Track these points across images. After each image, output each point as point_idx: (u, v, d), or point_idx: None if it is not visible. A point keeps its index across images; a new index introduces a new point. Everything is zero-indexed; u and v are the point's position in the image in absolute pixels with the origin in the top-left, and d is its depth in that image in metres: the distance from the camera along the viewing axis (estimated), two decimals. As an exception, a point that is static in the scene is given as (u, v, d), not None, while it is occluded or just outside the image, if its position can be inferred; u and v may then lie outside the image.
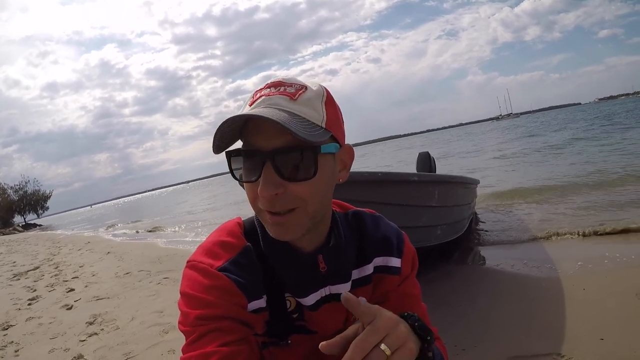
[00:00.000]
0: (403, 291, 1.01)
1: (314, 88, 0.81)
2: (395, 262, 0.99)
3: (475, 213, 5.80)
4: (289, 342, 0.94)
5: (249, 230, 0.90)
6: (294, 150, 0.75)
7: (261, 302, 0.86)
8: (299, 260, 0.88)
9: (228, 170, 0.83)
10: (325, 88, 0.84)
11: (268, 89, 0.79)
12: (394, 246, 0.99)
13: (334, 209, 0.96)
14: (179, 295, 0.83)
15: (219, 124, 0.75)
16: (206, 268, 0.81)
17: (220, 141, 0.76)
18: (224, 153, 0.80)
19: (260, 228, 0.89)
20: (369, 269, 0.97)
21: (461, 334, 2.43)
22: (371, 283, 0.98)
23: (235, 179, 0.82)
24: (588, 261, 3.34)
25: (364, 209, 1.04)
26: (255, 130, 0.76)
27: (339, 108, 0.86)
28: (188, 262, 0.86)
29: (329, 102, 0.82)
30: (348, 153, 0.87)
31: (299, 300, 0.90)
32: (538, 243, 4.18)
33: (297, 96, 0.77)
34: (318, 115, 0.78)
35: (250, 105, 0.78)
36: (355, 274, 0.96)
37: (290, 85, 0.79)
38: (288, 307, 0.91)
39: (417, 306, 1.02)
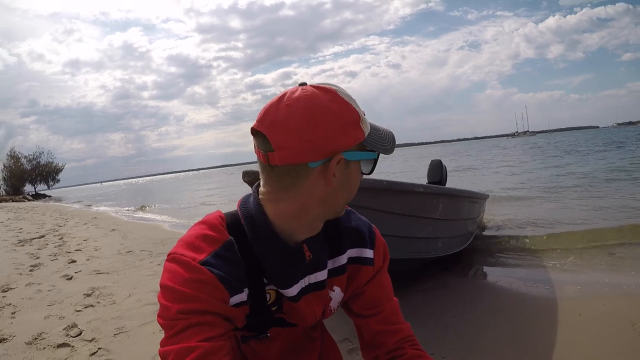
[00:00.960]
0: (379, 281, 1.05)
1: None
2: (369, 253, 1.02)
3: (482, 227, 5.74)
4: (268, 335, 0.97)
5: (231, 223, 0.90)
6: None
7: (243, 296, 0.86)
8: (288, 250, 0.88)
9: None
10: None
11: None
12: (366, 238, 1.03)
13: None
14: (159, 288, 0.83)
15: (392, 134, 0.93)
16: (188, 261, 0.81)
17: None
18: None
19: (247, 220, 0.89)
20: (342, 260, 1.01)
21: (451, 346, 2.41)
22: (346, 273, 1.01)
23: (362, 173, 0.90)
24: (587, 286, 3.29)
25: None
26: None
27: None
28: (169, 254, 0.85)
29: None
30: None
31: (282, 291, 0.92)
32: (540, 264, 4.12)
33: None
34: None
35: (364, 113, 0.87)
36: (330, 264, 0.99)
37: None
38: (268, 300, 0.93)
39: (390, 297, 1.07)
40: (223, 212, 0.95)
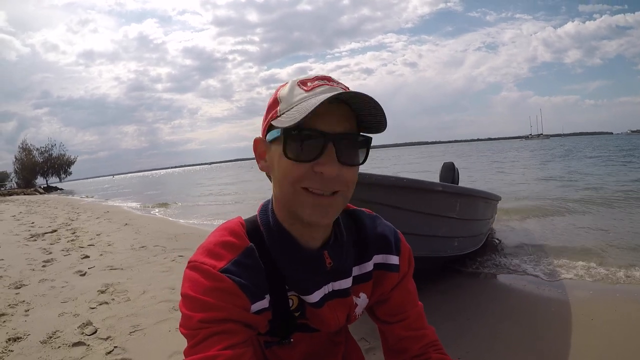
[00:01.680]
0: (404, 287, 1.03)
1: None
2: (394, 259, 1.01)
3: (493, 229, 5.73)
4: (292, 340, 0.96)
5: (251, 229, 0.89)
6: (355, 136, 0.80)
7: (264, 303, 0.85)
8: (307, 257, 0.88)
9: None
10: None
11: (322, 80, 0.82)
12: (392, 244, 1.01)
13: None
14: (180, 297, 0.82)
15: (314, 101, 0.75)
16: (208, 269, 0.80)
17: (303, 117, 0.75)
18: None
19: (265, 226, 0.89)
20: (369, 266, 0.99)
21: (465, 348, 2.42)
22: (371, 279, 1.00)
23: (287, 158, 0.79)
24: (600, 292, 3.30)
25: (361, 209, 1.06)
26: (325, 114, 0.77)
27: None
28: (189, 262, 0.84)
29: None
30: None
31: (304, 297, 0.90)
32: (554, 267, 4.07)
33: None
34: None
35: (308, 91, 0.80)
36: (356, 271, 0.97)
37: (338, 82, 0.84)
38: (291, 305, 0.92)
39: (415, 303, 1.05)
40: (243, 218, 0.94)
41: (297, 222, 0.86)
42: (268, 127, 0.84)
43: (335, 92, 0.75)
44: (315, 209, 0.79)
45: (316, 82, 0.81)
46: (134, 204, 17.16)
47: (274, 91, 0.87)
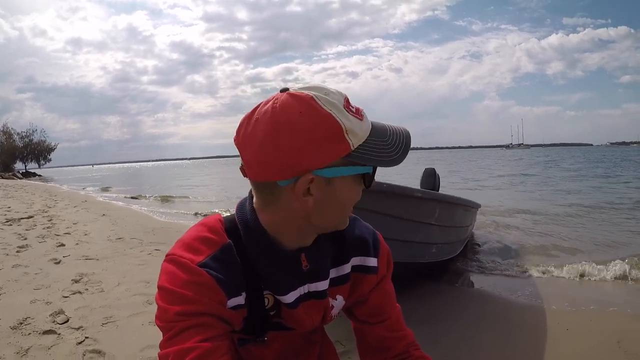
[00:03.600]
0: (382, 289, 1.03)
1: None
2: (372, 261, 1.00)
3: (472, 235, 5.80)
4: (266, 339, 0.95)
5: (230, 227, 0.89)
6: None
7: (240, 299, 0.86)
8: (283, 258, 0.87)
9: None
10: None
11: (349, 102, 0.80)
12: (370, 246, 1.01)
13: None
14: (157, 289, 0.82)
15: (405, 139, 0.84)
16: (186, 263, 0.80)
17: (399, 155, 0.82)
18: None
19: (243, 225, 0.88)
20: (346, 268, 0.99)
21: (440, 353, 2.44)
22: (349, 282, 0.99)
23: (367, 187, 0.86)
24: (576, 302, 3.35)
25: None
26: None
27: None
28: (167, 255, 0.85)
29: None
30: None
31: (279, 297, 0.90)
32: (530, 275, 4.18)
33: None
34: None
35: (361, 120, 0.80)
36: (333, 273, 0.97)
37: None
38: (266, 304, 0.91)
39: (393, 305, 1.05)
40: (222, 215, 0.94)
41: (297, 231, 0.85)
42: (331, 162, 0.77)
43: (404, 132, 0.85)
44: (347, 219, 0.90)
45: (350, 106, 0.80)
46: (112, 195, 17.05)
47: (311, 118, 0.75)
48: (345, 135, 0.76)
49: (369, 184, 0.84)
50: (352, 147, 0.77)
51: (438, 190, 5.05)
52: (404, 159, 0.82)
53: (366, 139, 0.79)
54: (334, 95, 0.77)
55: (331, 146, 0.75)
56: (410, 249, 3.25)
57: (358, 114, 0.79)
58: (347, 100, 0.79)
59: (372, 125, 0.82)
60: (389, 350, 1.03)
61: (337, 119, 0.75)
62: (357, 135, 0.77)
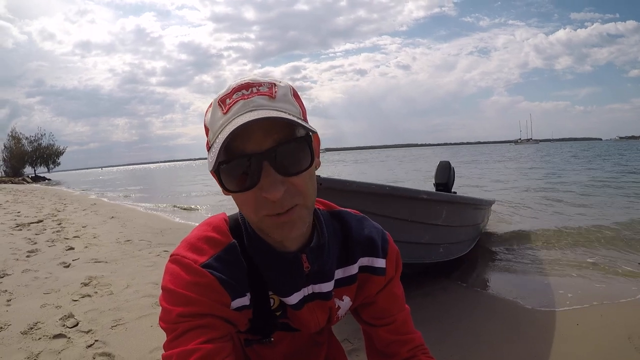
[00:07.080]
0: (390, 291, 1.02)
1: (282, 84, 0.78)
2: (380, 262, 0.98)
3: (485, 232, 5.70)
4: (272, 339, 0.95)
5: (234, 227, 0.89)
6: (289, 144, 0.73)
7: (245, 300, 0.85)
8: (283, 260, 0.86)
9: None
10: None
11: (240, 92, 0.75)
12: (378, 247, 0.98)
13: (318, 207, 0.96)
14: (161, 290, 0.82)
15: (218, 139, 0.72)
16: (190, 264, 0.80)
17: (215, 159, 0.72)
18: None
19: (245, 226, 0.88)
20: (353, 269, 0.97)
21: (448, 350, 2.42)
22: (356, 282, 0.98)
23: (229, 191, 0.76)
24: (587, 297, 3.30)
25: (348, 209, 1.03)
26: (243, 137, 0.71)
27: None
28: (171, 255, 0.84)
29: (296, 94, 0.80)
30: (317, 141, 0.83)
31: (283, 299, 0.90)
32: (539, 272, 4.12)
33: (274, 94, 0.75)
34: (295, 109, 0.77)
35: (225, 113, 0.74)
36: (339, 274, 0.96)
37: (260, 84, 0.76)
38: (272, 305, 0.91)
39: (402, 307, 1.04)
40: (228, 214, 0.93)
41: (260, 232, 0.84)
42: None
43: (246, 112, 0.72)
44: (280, 228, 0.76)
45: (233, 96, 0.75)
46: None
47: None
48: (207, 128, 0.80)
49: (227, 187, 0.76)
50: (209, 144, 0.78)
51: (452, 184, 4.94)
52: (215, 163, 0.72)
53: (216, 136, 0.74)
54: (223, 90, 0.77)
55: (206, 142, 0.80)
56: (417, 251, 3.20)
57: (224, 105, 0.75)
58: (234, 89, 0.75)
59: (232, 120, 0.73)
60: (394, 356, 1.01)
61: (206, 113, 0.80)
62: (212, 129, 0.77)
